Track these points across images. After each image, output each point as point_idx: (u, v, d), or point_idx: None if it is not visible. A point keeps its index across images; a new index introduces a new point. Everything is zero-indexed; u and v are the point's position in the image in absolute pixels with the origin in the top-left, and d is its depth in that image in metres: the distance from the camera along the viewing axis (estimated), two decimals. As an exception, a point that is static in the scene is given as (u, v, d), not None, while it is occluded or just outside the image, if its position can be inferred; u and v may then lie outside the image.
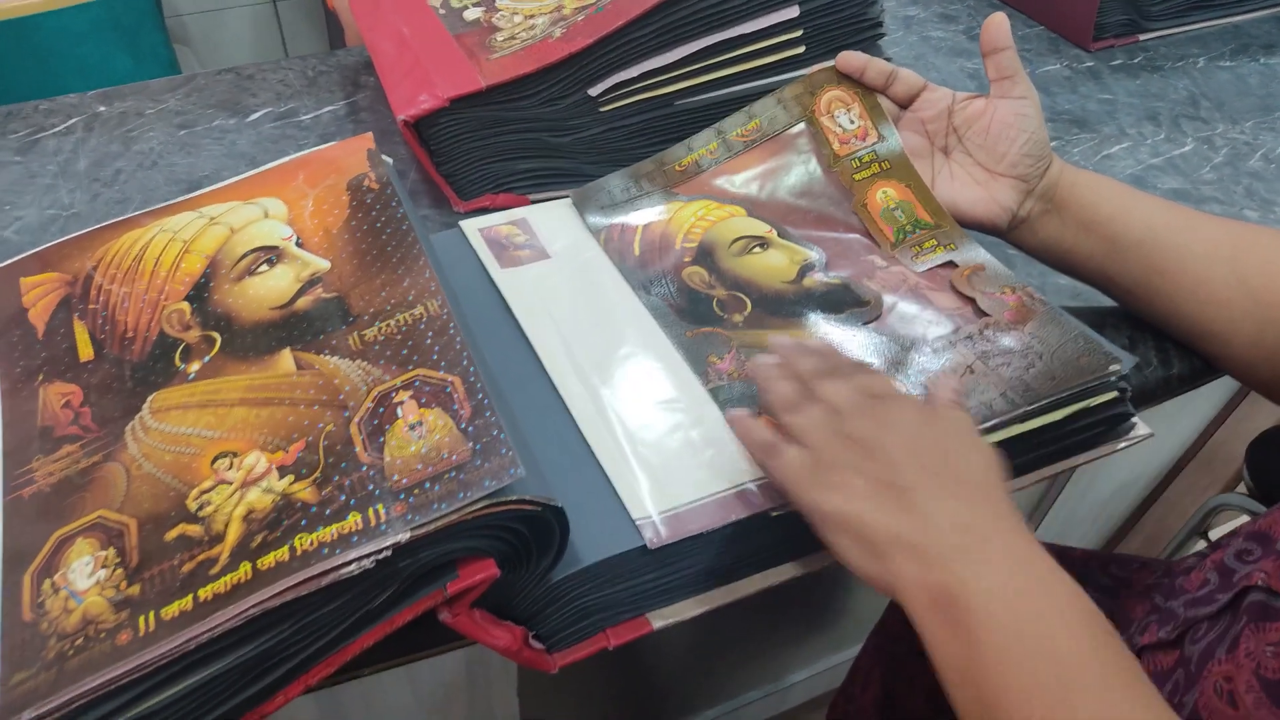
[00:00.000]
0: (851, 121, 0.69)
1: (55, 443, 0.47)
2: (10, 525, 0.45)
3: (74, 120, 0.86)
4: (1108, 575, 0.71)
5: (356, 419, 0.44)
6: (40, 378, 0.50)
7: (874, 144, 0.68)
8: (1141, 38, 1.02)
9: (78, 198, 0.77)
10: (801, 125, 0.70)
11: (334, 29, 1.46)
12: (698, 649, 1.15)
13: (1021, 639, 0.41)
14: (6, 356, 0.52)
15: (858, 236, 0.65)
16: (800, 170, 0.69)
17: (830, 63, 0.70)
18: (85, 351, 0.51)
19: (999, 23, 0.63)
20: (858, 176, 0.67)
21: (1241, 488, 1.10)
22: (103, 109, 0.87)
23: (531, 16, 0.77)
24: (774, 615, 1.16)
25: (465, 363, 0.45)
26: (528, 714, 0.89)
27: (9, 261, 0.57)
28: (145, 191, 0.78)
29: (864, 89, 0.69)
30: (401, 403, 0.44)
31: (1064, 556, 0.61)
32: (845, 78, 0.69)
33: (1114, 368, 0.54)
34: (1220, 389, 1.08)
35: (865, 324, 0.59)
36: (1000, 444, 0.53)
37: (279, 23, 1.69)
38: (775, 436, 0.49)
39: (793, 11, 0.74)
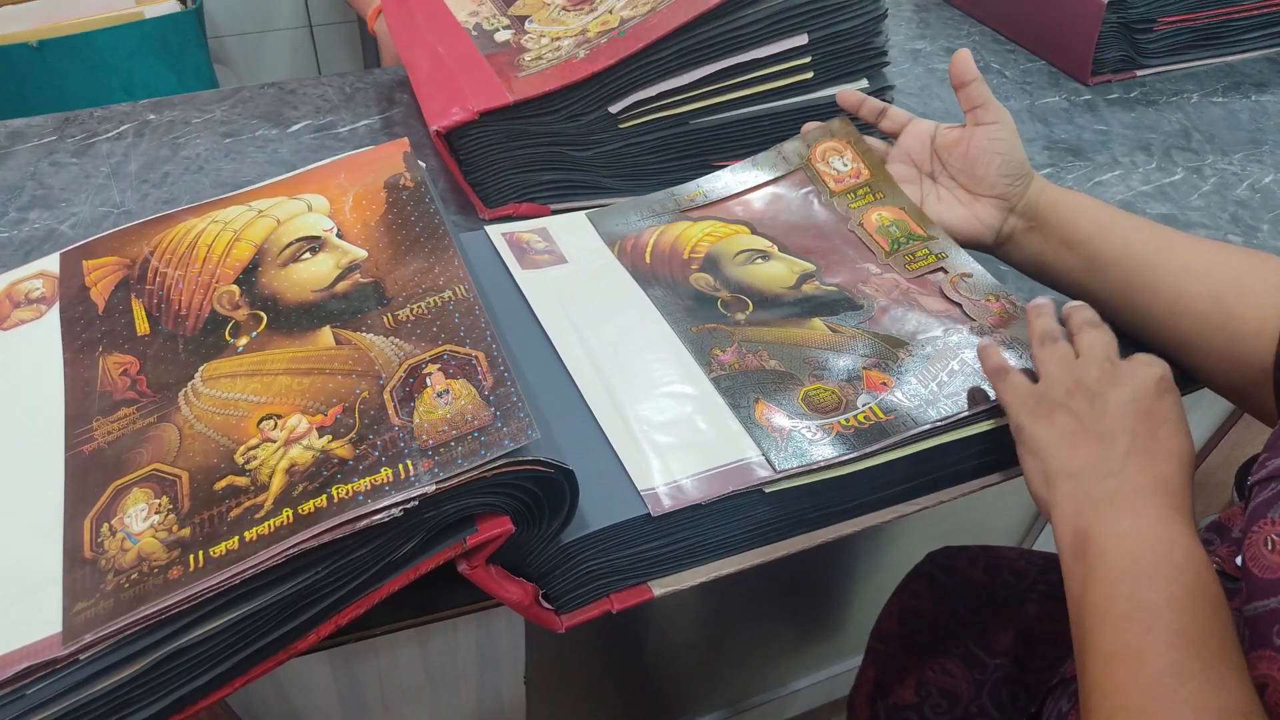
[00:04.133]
0: (845, 164, 0.75)
1: (114, 405, 0.52)
2: (71, 477, 0.49)
3: (126, 127, 0.91)
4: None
5: (389, 387, 0.48)
6: (100, 349, 0.55)
7: (867, 179, 0.74)
8: (1138, 74, 1.07)
9: (129, 197, 0.83)
10: (800, 171, 0.76)
11: (369, 51, 1.53)
12: (701, 654, 1.18)
13: (1126, 577, 0.47)
14: (69, 330, 0.57)
15: (853, 249, 0.70)
16: (799, 201, 0.74)
17: (820, 124, 0.78)
18: (142, 326, 0.56)
19: (963, 59, 0.69)
20: (853, 205, 0.73)
21: (1233, 511, 1.13)
22: (152, 117, 0.93)
23: (558, 39, 0.83)
24: (775, 622, 1.19)
25: (489, 340, 0.50)
26: (534, 704, 0.93)
27: (73, 246, 0.62)
28: (192, 193, 0.83)
29: (854, 138, 0.76)
30: (430, 374, 0.49)
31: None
32: (835, 133, 0.77)
33: None
34: (1211, 415, 1.11)
35: (859, 325, 0.63)
36: (982, 435, 0.57)
37: (314, 46, 1.76)
38: (1007, 363, 0.57)
39: (801, 39, 0.79)
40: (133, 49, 1.32)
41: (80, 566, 0.45)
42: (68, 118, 0.92)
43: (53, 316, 0.58)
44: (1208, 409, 1.09)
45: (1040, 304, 0.61)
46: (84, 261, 0.60)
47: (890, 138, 0.77)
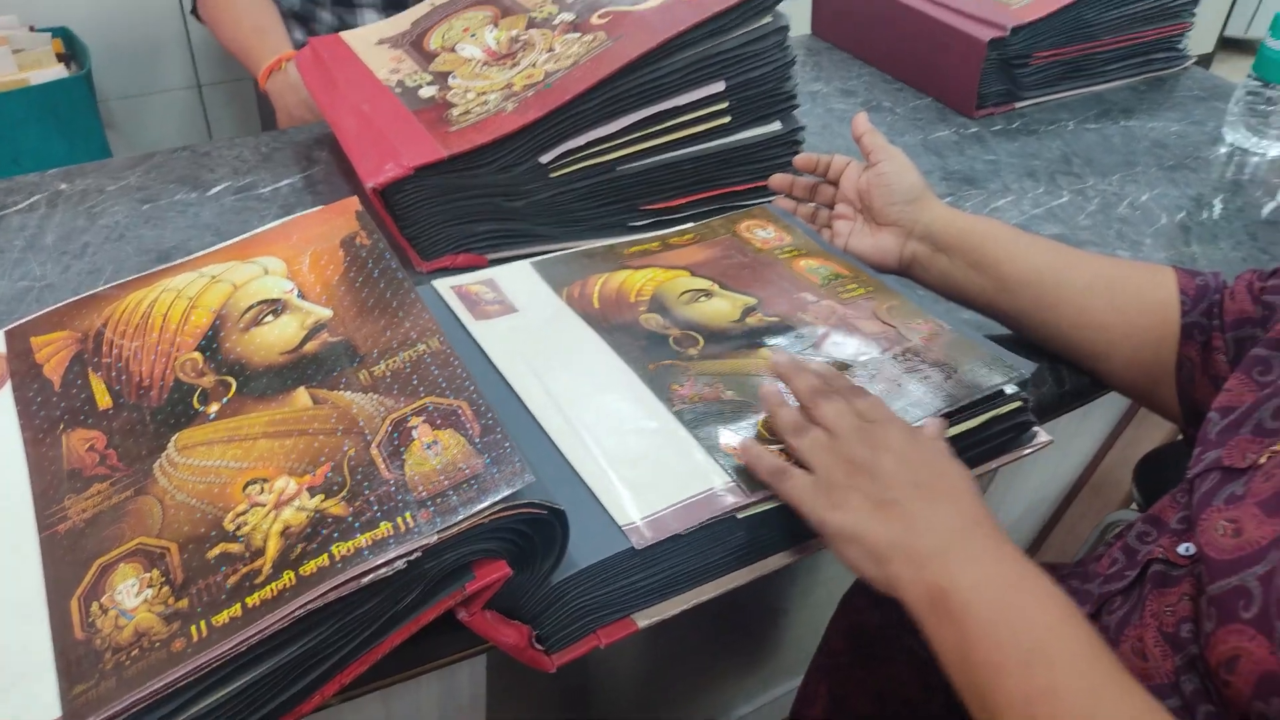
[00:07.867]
0: (768, 233, 0.82)
1: (85, 482, 0.51)
2: (49, 558, 0.48)
3: (36, 198, 0.89)
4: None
5: (375, 443, 0.49)
6: (61, 426, 0.54)
7: (790, 241, 0.80)
8: (1017, 105, 1.15)
9: (49, 269, 0.80)
10: (727, 238, 0.80)
11: (265, 110, 1.51)
12: (645, 684, 1.19)
13: (1003, 623, 0.48)
14: (25, 409, 0.55)
15: (788, 282, 0.74)
16: (732, 253, 0.78)
17: (740, 211, 0.85)
18: (103, 400, 0.55)
19: (859, 119, 0.80)
20: (780, 255, 0.77)
21: (1133, 506, 1.21)
22: (64, 186, 0.91)
23: (484, 93, 0.85)
24: (716, 648, 1.21)
25: (471, 389, 0.51)
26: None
27: (16, 323, 0.60)
28: (116, 262, 0.81)
29: (773, 216, 0.83)
30: (415, 426, 0.49)
31: None
32: (756, 214, 0.84)
33: (1019, 371, 0.63)
34: (1106, 416, 1.19)
35: (803, 351, 0.67)
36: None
37: (203, 106, 1.73)
38: (781, 461, 0.56)
39: (719, 86, 0.83)
40: (20, 117, 1.28)
41: (75, 648, 0.44)
42: (-29, 191, 0.89)
43: (4, 396, 0.56)
44: (1103, 411, 1.17)
45: (768, 392, 0.60)
46: (31, 338, 0.59)
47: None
